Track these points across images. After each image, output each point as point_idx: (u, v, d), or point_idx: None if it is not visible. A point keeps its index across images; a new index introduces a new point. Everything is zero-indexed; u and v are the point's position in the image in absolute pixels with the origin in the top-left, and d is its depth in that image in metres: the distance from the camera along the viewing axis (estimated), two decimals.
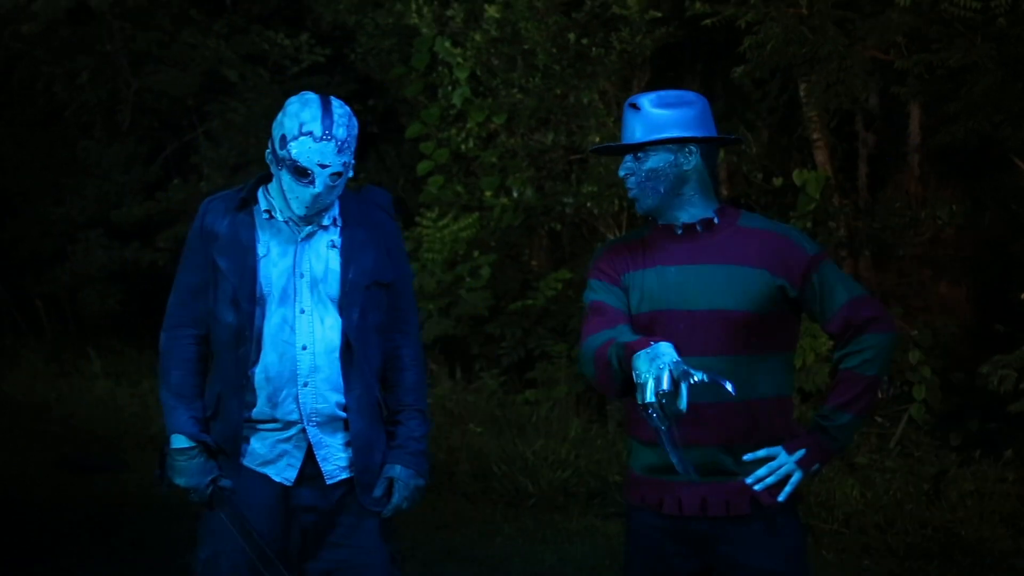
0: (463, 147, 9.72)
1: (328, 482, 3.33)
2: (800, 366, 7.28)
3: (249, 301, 3.28)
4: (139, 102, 11.78)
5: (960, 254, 8.15)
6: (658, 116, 3.06)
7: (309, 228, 3.33)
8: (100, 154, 11.80)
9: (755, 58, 7.23)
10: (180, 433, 3.32)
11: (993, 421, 7.14)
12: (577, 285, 8.87)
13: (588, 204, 8.98)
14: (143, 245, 11.56)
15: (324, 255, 3.34)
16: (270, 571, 3.26)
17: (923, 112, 8.02)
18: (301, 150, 3.19)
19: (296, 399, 3.29)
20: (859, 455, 7.00)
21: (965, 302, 8.17)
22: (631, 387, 2.84)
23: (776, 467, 3.01)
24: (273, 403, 3.30)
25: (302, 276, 3.31)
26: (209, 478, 3.31)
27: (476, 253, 9.47)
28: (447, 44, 9.59)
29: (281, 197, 3.31)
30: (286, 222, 3.33)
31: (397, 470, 3.38)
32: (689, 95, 3.13)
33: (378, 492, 3.36)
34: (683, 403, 2.75)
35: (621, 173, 3.14)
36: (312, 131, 3.18)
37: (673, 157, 3.07)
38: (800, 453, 3.02)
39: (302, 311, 3.30)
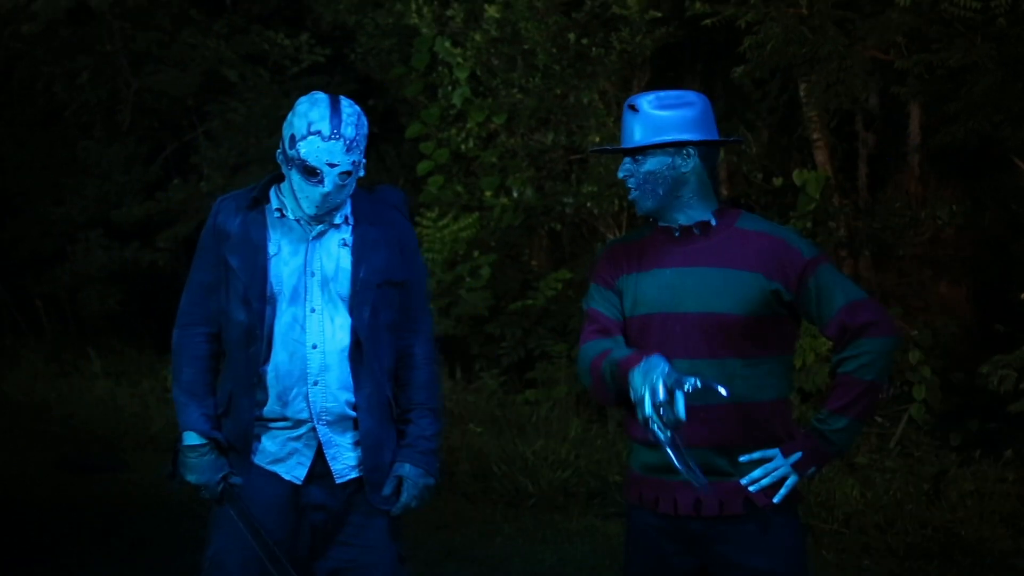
0: (463, 147, 9.72)
1: (337, 481, 3.33)
2: (800, 366, 7.27)
3: (260, 300, 3.29)
4: (139, 102, 11.75)
5: (960, 254, 8.16)
6: (657, 118, 3.04)
7: (320, 227, 3.33)
8: (100, 154, 11.78)
9: (755, 58, 7.23)
10: (192, 430, 3.34)
11: (993, 421, 7.14)
12: (577, 285, 8.87)
13: (588, 204, 8.98)
14: (143, 245, 11.53)
15: (335, 254, 3.34)
16: (278, 569, 3.26)
17: (923, 112, 8.02)
18: (310, 149, 3.20)
19: (306, 398, 3.30)
20: (859, 455, 7.00)
21: (965, 302, 8.18)
22: (625, 399, 2.88)
23: (771, 469, 3.01)
24: (283, 401, 3.30)
25: (313, 275, 3.32)
26: (220, 475, 3.32)
27: (476, 253, 9.47)
28: (447, 44, 9.59)
29: (292, 196, 3.31)
30: (297, 221, 3.33)
31: (406, 469, 3.39)
32: (690, 95, 3.11)
33: (387, 491, 3.37)
34: (680, 411, 2.75)
35: (620, 175, 3.13)
36: (320, 130, 3.19)
37: (671, 160, 3.05)
38: (796, 456, 3.02)
39: (313, 310, 3.30)
